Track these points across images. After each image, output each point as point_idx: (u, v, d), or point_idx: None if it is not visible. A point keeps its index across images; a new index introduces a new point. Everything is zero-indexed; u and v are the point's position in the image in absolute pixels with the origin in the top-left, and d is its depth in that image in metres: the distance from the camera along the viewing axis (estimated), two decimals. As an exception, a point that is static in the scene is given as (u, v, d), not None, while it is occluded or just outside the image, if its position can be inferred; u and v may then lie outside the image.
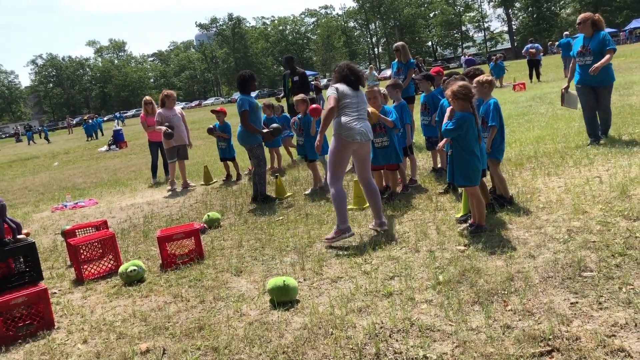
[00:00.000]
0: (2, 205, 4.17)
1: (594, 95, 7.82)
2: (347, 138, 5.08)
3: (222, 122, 9.84)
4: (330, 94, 5.21)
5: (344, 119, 5.12)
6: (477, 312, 3.39)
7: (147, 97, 10.97)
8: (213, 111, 9.94)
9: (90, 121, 35.22)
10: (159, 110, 9.79)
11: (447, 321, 3.34)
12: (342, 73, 5.32)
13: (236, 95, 46.92)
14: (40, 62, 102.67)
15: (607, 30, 7.83)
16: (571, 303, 3.33)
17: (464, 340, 3.07)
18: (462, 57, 34.65)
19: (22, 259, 4.27)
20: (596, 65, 7.32)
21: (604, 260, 3.87)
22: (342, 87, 5.23)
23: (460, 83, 4.89)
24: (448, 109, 5.09)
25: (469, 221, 5.07)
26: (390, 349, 3.12)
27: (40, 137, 43.49)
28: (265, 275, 4.64)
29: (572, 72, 8.03)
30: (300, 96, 8.12)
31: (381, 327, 3.38)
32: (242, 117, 7.22)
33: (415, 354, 3.02)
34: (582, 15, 7.78)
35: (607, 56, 7.38)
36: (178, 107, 10.05)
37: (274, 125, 7.75)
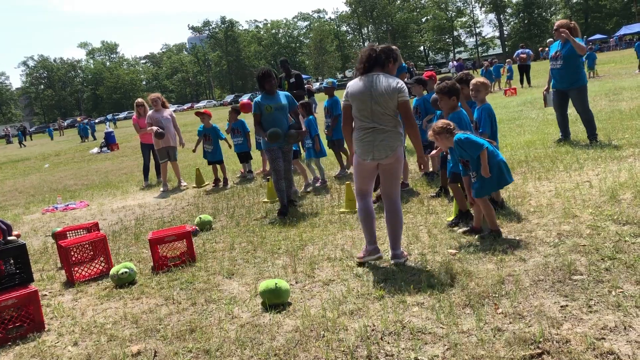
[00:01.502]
0: (-8, 207, 4.15)
1: (566, 98, 8.42)
2: (357, 153, 4.50)
3: (207, 125, 9.73)
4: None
5: (355, 133, 4.55)
6: (468, 315, 3.41)
7: (139, 100, 10.96)
8: (197, 113, 9.89)
9: (83, 122, 35.11)
10: (149, 112, 9.88)
11: (439, 324, 3.35)
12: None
13: (244, 97, 46.89)
14: (31, 63, 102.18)
15: (597, 36, 8.38)
16: (561, 306, 3.36)
17: (455, 342, 3.09)
18: (451, 62, 34.80)
19: (12, 261, 4.24)
20: (566, 36, 7.92)
21: (594, 263, 3.90)
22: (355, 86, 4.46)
23: (440, 122, 4.84)
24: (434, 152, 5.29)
25: (471, 225, 5.08)
26: (381, 351, 3.13)
27: (24, 140, 43.09)
28: (257, 278, 4.64)
29: (550, 75, 8.54)
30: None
31: (373, 330, 3.39)
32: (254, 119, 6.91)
33: (407, 357, 3.04)
34: (558, 22, 8.36)
35: (578, 41, 7.85)
36: (168, 110, 10.08)
37: (272, 129, 6.77)
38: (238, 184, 9.46)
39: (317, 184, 8.26)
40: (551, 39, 23.61)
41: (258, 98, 6.90)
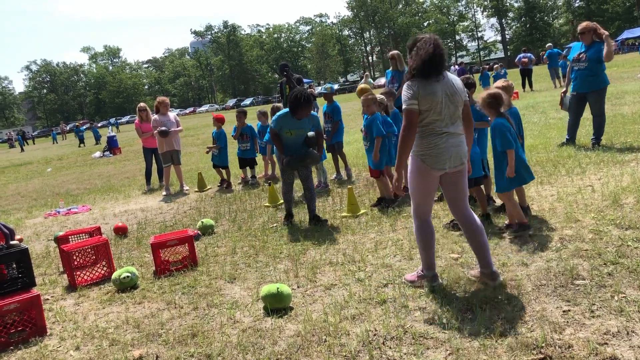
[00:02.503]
0: (-5, 211, 4.16)
1: (584, 103, 8.33)
2: (426, 163, 3.79)
3: (219, 129, 9.92)
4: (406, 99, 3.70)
5: (433, 139, 3.77)
6: (470, 320, 3.40)
7: (142, 104, 11.00)
8: (217, 117, 10.05)
9: (82, 127, 35.13)
10: (154, 116, 9.94)
11: (441, 329, 3.34)
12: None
13: (247, 101, 45.42)
14: (34, 68, 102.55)
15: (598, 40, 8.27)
16: (563, 311, 3.35)
17: (457, 347, 3.08)
18: (453, 66, 34.77)
19: (15, 265, 4.25)
20: (605, 39, 7.88)
21: (596, 268, 3.89)
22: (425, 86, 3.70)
23: (490, 91, 4.90)
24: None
25: (506, 222, 5.11)
26: (383, 356, 3.13)
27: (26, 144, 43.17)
28: (259, 282, 4.64)
29: (569, 77, 8.42)
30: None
31: (375, 335, 3.39)
32: (270, 132, 6.41)
33: (409, 362, 3.03)
34: (584, 24, 8.24)
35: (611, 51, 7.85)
36: (172, 113, 10.16)
37: (291, 159, 6.25)
38: (241, 189, 9.46)
39: (319, 187, 8.27)
40: (550, 44, 23.66)
41: (282, 115, 6.24)
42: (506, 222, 5.13)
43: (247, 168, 9.96)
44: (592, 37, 8.03)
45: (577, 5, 79.52)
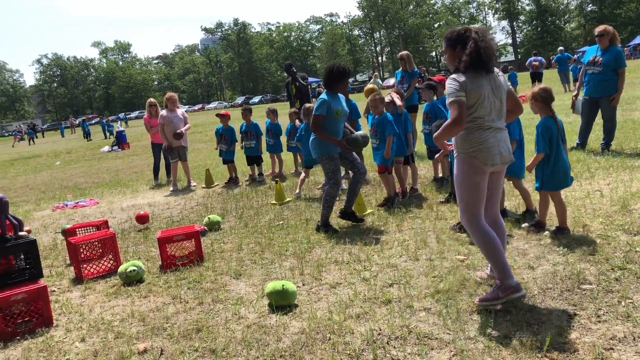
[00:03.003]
0: (4, 202, 4.18)
1: (596, 108, 8.27)
2: (479, 160, 3.58)
3: (225, 126, 9.93)
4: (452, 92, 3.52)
5: (483, 134, 3.60)
6: (476, 322, 3.40)
7: (152, 99, 11.08)
8: (218, 115, 10.04)
9: (90, 122, 35.26)
10: (162, 112, 9.99)
11: (445, 329, 3.34)
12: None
13: (255, 99, 44.72)
14: (45, 61, 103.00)
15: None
16: (569, 315, 3.34)
17: (462, 349, 3.08)
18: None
19: (22, 256, 4.28)
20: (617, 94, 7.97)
21: (604, 273, 3.87)
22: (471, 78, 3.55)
23: (542, 86, 4.88)
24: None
25: (534, 220, 5.13)
26: (387, 355, 3.13)
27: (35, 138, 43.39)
28: (264, 279, 4.65)
29: (581, 80, 8.36)
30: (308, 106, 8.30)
31: (379, 334, 3.39)
32: (313, 120, 5.88)
33: (413, 362, 3.03)
34: (602, 27, 8.14)
35: (621, 77, 7.87)
36: (181, 110, 10.19)
37: (359, 132, 6.17)
38: (248, 186, 9.47)
39: (319, 188, 8.27)
40: (562, 48, 23.51)
41: (325, 98, 5.83)
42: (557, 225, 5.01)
43: (255, 165, 9.98)
44: (608, 41, 7.95)
45: (589, 9, 79.03)
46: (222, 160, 10.15)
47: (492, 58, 3.55)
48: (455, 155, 3.70)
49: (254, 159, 9.92)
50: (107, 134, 33.95)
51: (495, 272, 3.60)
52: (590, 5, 78.49)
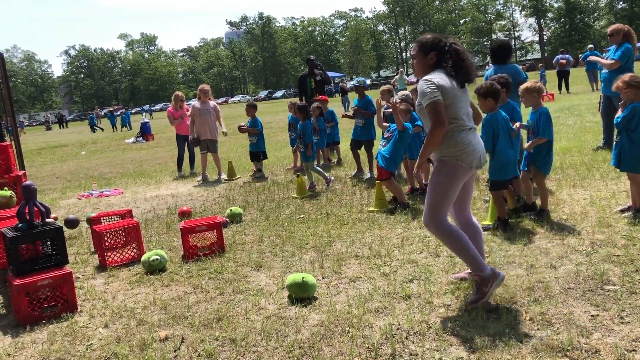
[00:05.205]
0: (33, 189, 4.27)
1: (612, 104, 8.12)
2: (464, 163, 3.54)
3: (252, 117, 9.97)
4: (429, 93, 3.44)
5: (466, 136, 3.55)
6: (495, 320, 3.38)
7: (180, 93, 11.27)
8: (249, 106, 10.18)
9: (116, 113, 35.95)
10: (193, 102, 10.12)
11: (465, 326, 3.33)
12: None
13: (278, 93, 44.18)
14: (73, 52, 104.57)
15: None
16: (592, 315, 3.30)
17: (481, 346, 3.07)
18: (488, 65, 34.19)
19: (49, 243, 4.37)
20: (594, 58, 8.09)
21: (628, 274, 3.82)
22: (445, 80, 3.50)
23: (632, 74, 4.99)
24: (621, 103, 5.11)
25: (628, 205, 5.18)
26: (406, 350, 3.13)
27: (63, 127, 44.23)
28: (284, 271, 4.68)
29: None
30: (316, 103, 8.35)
31: (398, 329, 3.39)
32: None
33: (431, 357, 3.03)
34: (613, 26, 8.06)
35: (610, 61, 7.75)
36: (213, 102, 10.24)
37: None
38: (251, 182, 9.51)
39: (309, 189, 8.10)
40: (591, 46, 23.15)
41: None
42: (628, 204, 5.20)
43: (256, 162, 9.98)
44: (621, 39, 7.82)
45: (619, 7, 77.40)
46: (250, 152, 10.10)
47: (470, 74, 3.60)
48: (437, 159, 3.60)
49: (254, 155, 9.95)
50: (112, 126, 34.82)
51: (470, 267, 3.63)
52: (621, 2, 76.84)
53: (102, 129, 35.99)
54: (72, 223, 6.20)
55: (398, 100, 6.48)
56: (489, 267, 3.58)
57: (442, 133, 3.44)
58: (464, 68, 3.55)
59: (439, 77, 3.48)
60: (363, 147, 8.69)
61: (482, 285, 3.56)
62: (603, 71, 8.19)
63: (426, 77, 3.52)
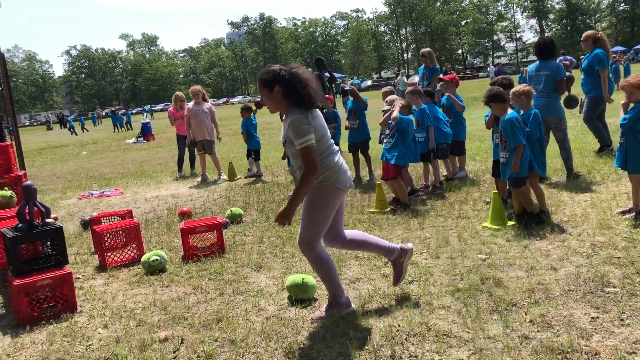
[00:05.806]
0: (33, 189, 4.27)
1: (594, 108, 8.22)
2: (340, 184, 3.59)
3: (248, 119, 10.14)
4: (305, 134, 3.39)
5: (335, 158, 3.59)
6: (495, 321, 3.37)
7: (180, 93, 11.29)
8: (256, 103, 10.37)
9: (118, 113, 35.96)
10: (188, 104, 10.13)
11: (465, 328, 3.32)
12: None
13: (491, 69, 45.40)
14: (74, 53, 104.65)
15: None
16: (592, 317, 3.30)
17: (481, 348, 3.06)
18: (489, 66, 34.24)
19: (49, 243, 4.37)
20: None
21: (628, 276, 3.81)
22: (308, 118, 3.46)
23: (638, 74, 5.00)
24: (622, 102, 5.10)
25: (628, 206, 5.17)
26: (405, 352, 3.13)
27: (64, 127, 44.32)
28: (284, 272, 4.68)
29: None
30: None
31: (398, 330, 3.39)
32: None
33: (431, 359, 3.02)
34: (585, 33, 8.09)
35: (603, 75, 7.67)
36: (208, 103, 10.23)
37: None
38: (251, 183, 9.52)
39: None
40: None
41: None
42: (629, 205, 5.20)
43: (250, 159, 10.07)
44: (592, 45, 7.82)
45: (621, 8, 77.37)
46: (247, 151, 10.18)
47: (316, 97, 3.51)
48: (317, 184, 3.51)
49: (247, 152, 10.10)
50: (125, 125, 34.77)
51: (330, 293, 3.70)
52: (623, 4, 76.81)
53: (77, 134, 35.20)
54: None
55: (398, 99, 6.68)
56: (345, 295, 3.73)
57: (316, 178, 3.44)
58: (304, 96, 3.45)
59: (306, 114, 3.44)
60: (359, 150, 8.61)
61: (334, 307, 3.68)
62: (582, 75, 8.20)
63: (301, 115, 3.42)
